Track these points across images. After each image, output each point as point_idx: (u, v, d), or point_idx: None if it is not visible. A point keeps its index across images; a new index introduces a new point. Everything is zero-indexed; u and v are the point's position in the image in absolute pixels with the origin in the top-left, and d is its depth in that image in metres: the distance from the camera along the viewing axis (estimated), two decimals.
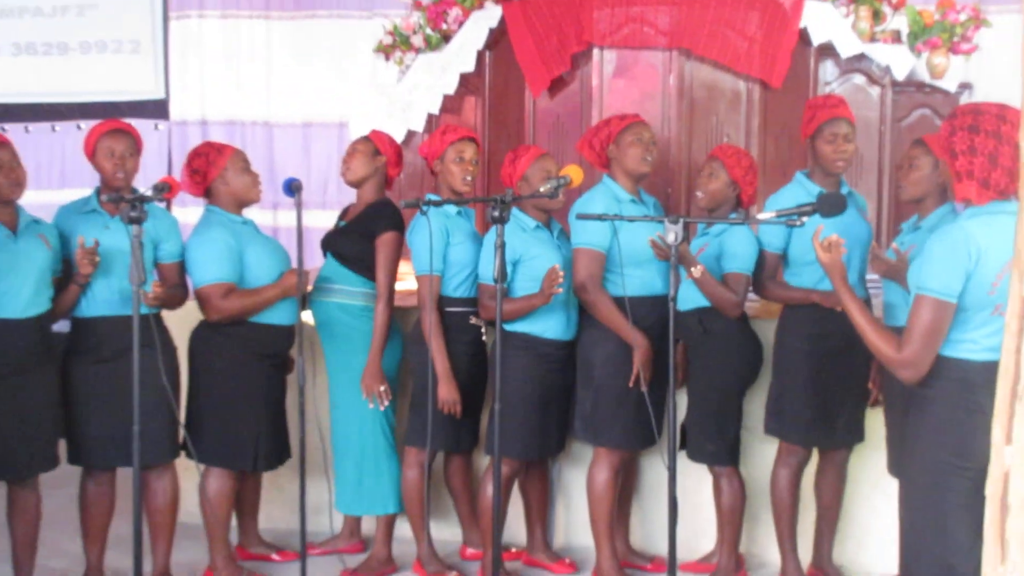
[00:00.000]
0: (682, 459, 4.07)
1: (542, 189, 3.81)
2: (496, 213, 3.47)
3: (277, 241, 4.48)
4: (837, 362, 4.04)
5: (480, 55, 5.57)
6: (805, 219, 3.50)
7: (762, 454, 4.33)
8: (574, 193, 4.18)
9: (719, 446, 4.18)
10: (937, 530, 2.75)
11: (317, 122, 7.67)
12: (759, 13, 5.17)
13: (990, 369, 2.38)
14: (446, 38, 5.74)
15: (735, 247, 4.08)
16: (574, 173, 3.84)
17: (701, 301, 4.09)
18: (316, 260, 4.43)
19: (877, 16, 5.57)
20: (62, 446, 4.05)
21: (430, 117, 5.67)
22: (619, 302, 4.03)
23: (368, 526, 4.63)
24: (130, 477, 3.47)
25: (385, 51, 6.07)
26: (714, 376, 4.19)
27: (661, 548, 4.04)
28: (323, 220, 4.51)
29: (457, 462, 4.56)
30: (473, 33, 5.58)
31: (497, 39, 5.51)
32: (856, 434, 4.20)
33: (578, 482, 4.50)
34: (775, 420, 4.18)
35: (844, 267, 3.08)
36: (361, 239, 4.28)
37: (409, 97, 5.73)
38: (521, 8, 5.37)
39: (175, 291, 4.16)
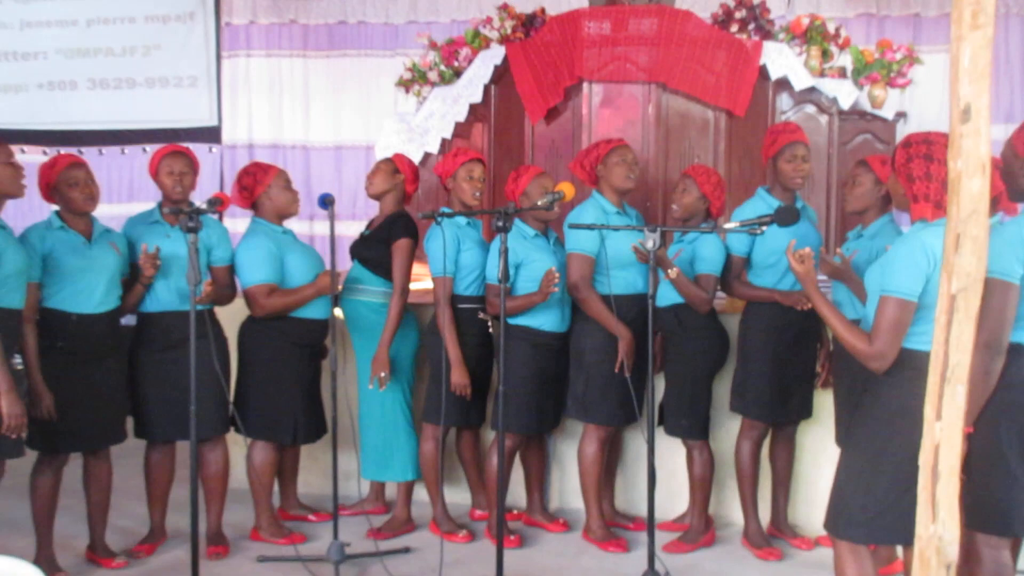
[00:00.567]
0: (659, 434, 4.06)
1: (540, 203, 3.81)
2: (500, 223, 3.46)
3: (313, 248, 4.47)
4: (791, 350, 4.05)
5: (487, 88, 5.57)
6: (765, 228, 3.53)
7: (728, 429, 4.32)
8: (567, 206, 4.18)
9: (691, 422, 4.17)
10: (870, 488, 2.74)
11: (347, 145, 7.69)
12: (725, 52, 5.18)
13: None
14: (457, 74, 5.75)
15: (705, 252, 4.08)
16: (567, 189, 3.83)
17: (676, 298, 4.09)
18: (346, 264, 4.42)
19: (826, 55, 5.58)
20: (129, 423, 4.05)
21: (443, 141, 5.68)
22: (606, 299, 4.03)
23: (390, 491, 4.62)
24: (187, 449, 3.46)
25: (405, 85, 6.08)
26: (687, 362, 4.18)
27: (641, 510, 4.03)
28: (352, 229, 4.51)
29: (467, 436, 4.56)
30: (481, 69, 5.58)
31: (501, 74, 5.51)
32: (806, 411, 4.19)
33: (571, 453, 4.50)
34: (739, 399, 4.18)
35: (815, 275, 3.04)
36: (381, 246, 4.26)
37: (426, 124, 5.73)
38: (522, 48, 5.38)
39: (225, 290, 4.16)
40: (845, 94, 5.47)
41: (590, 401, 4.16)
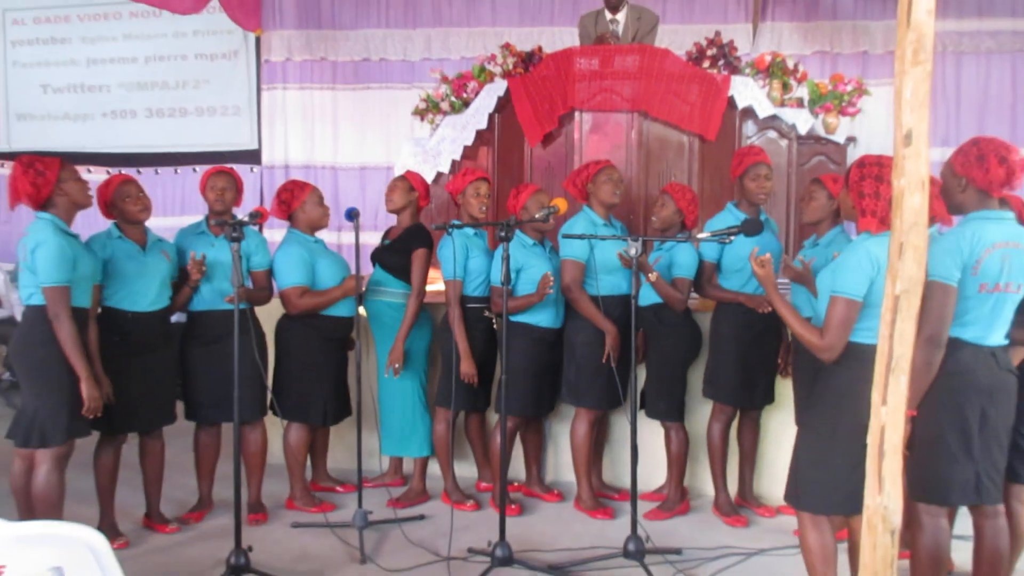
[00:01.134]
0: (641, 416, 4.05)
1: (537, 216, 3.80)
2: (503, 233, 3.46)
3: (340, 255, 4.46)
4: (756, 344, 4.03)
5: (491, 116, 5.56)
6: (733, 237, 3.53)
7: (701, 412, 4.30)
8: (561, 219, 4.16)
9: (669, 406, 4.16)
10: (824, 464, 2.73)
11: (370, 166, 7.68)
12: (698, 85, 5.17)
13: None
14: (466, 104, 5.74)
15: (681, 259, 4.06)
16: (561, 204, 3.82)
17: (656, 299, 4.07)
18: (368, 269, 4.41)
19: (785, 87, 5.57)
20: (180, 407, 4.04)
21: (454, 162, 5.67)
22: (595, 300, 4.02)
23: (407, 466, 4.61)
24: (231, 430, 3.45)
25: (421, 113, 6.07)
26: (665, 354, 4.16)
27: (625, 483, 4.03)
28: (374, 239, 4.51)
29: (474, 418, 4.55)
30: (486, 100, 5.57)
31: (504, 104, 5.50)
32: (769, 397, 4.17)
33: (564, 433, 4.48)
34: (710, 387, 4.16)
35: (775, 277, 3.04)
36: (401, 254, 4.26)
37: (438, 147, 5.73)
38: (522, 81, 5.37)
39: (263, 291, 4.15)
40: (802, 121, 5.45)
41: (581, 388, 4.15)
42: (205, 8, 6.64)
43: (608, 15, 5.52)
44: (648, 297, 4.09)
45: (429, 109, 5.97)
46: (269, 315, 4.21)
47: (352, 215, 3.81)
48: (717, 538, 3.93)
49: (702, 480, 4.47)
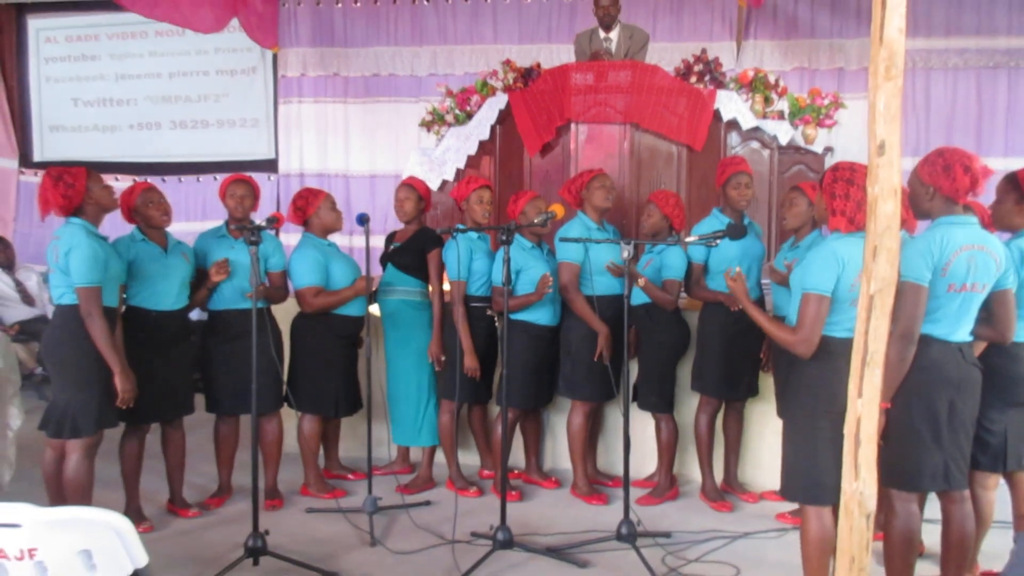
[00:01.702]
0: (633, 408, 4.04)
1: (536, 220, 3.80)
2: (504, 237, 3.45)
3: (351, 257, 4.46)
4: (740, 340, 4.03)
5: (493, 128, 5.55)
6: (719, 241, 3.53)
7: (689, 404, 4.30)
8: (558, 223, 4.15)
9: (659, 399, 4.16)
10: (809, 456, 2.73)
11: (380, 174, 7.67)
12: (686, 99, 5.17)
13: (848, 344, 2.37)
14: (469, 116, 5.73)
15: (671, 261, 4.06)
16: (558, 209, 3.82)
17: (647, 298, 4.07)
18: (377, 271, 4.41)
19: (767, 100, 5.57)
20: (200, 399, 4.03)
21: (458, 171, 5.66)
22: (590, 299, 4.02)
23: (414, 455, 4.61)
24: (249, 421, 3.45)
25: (427, 125, 6.06)
26: (656, 350, 4.16)
27: (618, 470, 4.03)
28: (382, 243, 4.51)
29: (477, 410, 4.54)
30: (488, 112, 5.57)
31: (505, 116, 5.49)
32: (753, 390, 4.17)
33: (561, 424, 4.48)
34: (698, 380, 4.16)
35: (747, 289, 3.09)
36: (414, 254, 4.25)
37: (443, 157, 5.72)
38: (521, 95, 5.37)
39: (279, 291, 4.14)
40: (783, 133, 5.45)
41: (576, 382, 4.14)
42: (226, 27, 6.64)
43: (602, 33, 5.53)
44: (640, 296, 4.08)
45: (435, 121, 5.97)
46: (285, 313, 4.21)
47: (363, 220, 3.81)
48: (704, 522, 3.92)
49: (690, 468, 4.46)
